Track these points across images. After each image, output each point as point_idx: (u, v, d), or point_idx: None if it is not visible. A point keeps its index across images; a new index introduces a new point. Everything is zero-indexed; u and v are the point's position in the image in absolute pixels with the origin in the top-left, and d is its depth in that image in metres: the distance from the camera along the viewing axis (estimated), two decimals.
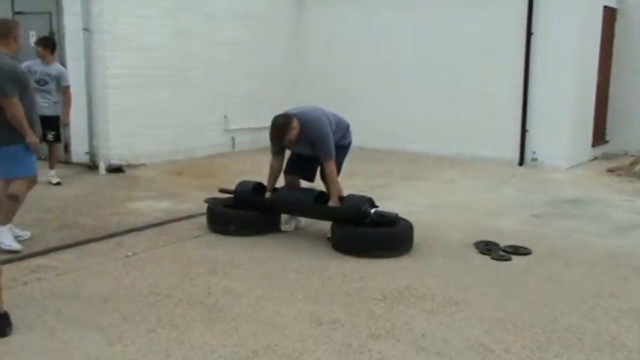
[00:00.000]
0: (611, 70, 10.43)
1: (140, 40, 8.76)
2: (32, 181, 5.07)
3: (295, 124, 5.21)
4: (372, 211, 5.24)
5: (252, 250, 5.14)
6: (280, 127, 5.22)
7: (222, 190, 6.05)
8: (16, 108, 4.75)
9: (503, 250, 5.18)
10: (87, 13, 8.41)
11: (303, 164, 5.64)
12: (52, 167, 7.48)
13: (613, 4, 10.17)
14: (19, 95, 4.78)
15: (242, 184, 5.86)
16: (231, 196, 5.87)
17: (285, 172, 5.73)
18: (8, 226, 5.00)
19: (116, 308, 3.89)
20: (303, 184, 5.88)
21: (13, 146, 4.85)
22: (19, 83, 4.83)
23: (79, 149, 8.78)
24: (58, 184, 7.40)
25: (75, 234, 5.47)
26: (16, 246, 4.96)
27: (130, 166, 8.65)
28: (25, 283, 4.30)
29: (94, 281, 4.37)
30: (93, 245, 5.19)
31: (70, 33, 8.64)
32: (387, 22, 10.35)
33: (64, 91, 7.42)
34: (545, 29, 9.11)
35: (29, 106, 4.91)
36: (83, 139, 8.69)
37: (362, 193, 6.99)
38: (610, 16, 10.12)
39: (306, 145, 5.39)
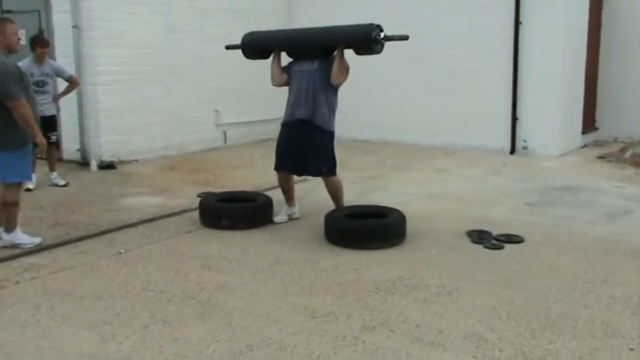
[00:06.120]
0: (599, 57, 10.46)
1: (130, 36, 8.71)
2: (21, 184, 5.07)
3: None
4: (382, 35, 5.26)
5: (244, 243, 5.13)
6: None
7: (228, 47, 6.07)
8: (26, 108, 4.71)
9: (496, 239, 5.19)
10: (76, 10, 8.36)
11: (295, 157, 5.60)
12: (52, 169, 7.34)
13: None
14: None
15: (249, 34, 5.93)
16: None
17: (277, 168, 5.74)
18: (17, 229, 5.03)
19: (109, 305, 3.88)
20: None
21: (10, 152, 4.80)
22: (22, 84, 4.78)
23: (70, 146, 8.74)
24: (66, 185, 7.29)
25: (67, 232, 5.46)
26: (37, 240, 5.04)
27: (122, 162, 8.62)
28: (18, 282, 4.28)
29: (87, 279, 4.35)
30: (85, 243, 5.17)
31: (59, 30, 8.61)
32: (378, 14, 10.27)
33: (70, 80, 7.34)
34: (533, 18, 9.12)
35: (32, 106, 4.87)
36: (74, 136, 8.67)
37: (354, 185, 7.05)
38: (597, 4, 10.14)
39: (314, 60, 5.49)
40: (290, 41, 5.84)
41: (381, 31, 5.29)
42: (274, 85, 5.80)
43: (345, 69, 5.44)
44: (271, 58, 5.79)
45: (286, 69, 5.72)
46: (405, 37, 5.29)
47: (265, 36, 6.01)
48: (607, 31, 10.41)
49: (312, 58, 5.55)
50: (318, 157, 5.55)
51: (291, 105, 5.60)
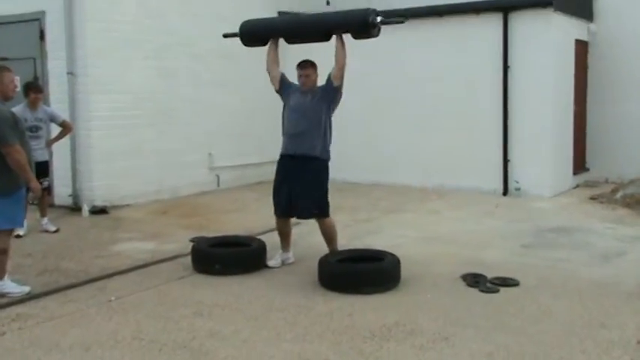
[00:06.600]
0: (587, 100, 10.63)
1: (124, 81, 8.78)
2: (12, 231, 5.02)
3: (317, 75, 5.70)
4: (378, 19, 5.35)
5: (238, 289, 5.07)
6: (313, 62, 5.69)
7: (226, 35, 6.12)
8: (20, 154, 4.72)
9: (491, 282, 5.15)
10: (71, 57, 8.45)
11: (289, 196, 5.60)
12: (43, 215, 7.27)
13: (584, 38, 10.42)
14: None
15: (246, 21, 5.96)
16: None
17: (275, 213, 5.73)
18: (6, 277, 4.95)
19: (98, 356, 3.79)
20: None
21: (2, 198, 4.76)
22: (16, 130, 4.79)
23: (62, 191, 8.69)
24: (56, 231, 7.22)
25: (56, 279, 5.37)
26: (25, 288, 4.96)
27: (114, 207, 8.56)
28: (4, 333, 4.19)
29: (76, 328, 4.26)
30: (75, 291, 5.08)
31: (54, 77, 8.66)
32: (368, 57, 10.44)
33: (64, 125, 7.38)
34: (521, 62, 9.30)
35: (26, 152, 4.88)
36: (67, 181, 8.63)
37: (348, 228, 7.02)
38: (582, 49, 10.36)
39: (308, 95, 5.59)
40: (288, 27, 5.94)
41: (377, 15, 5.43)
42: (267, 69, 5.86)
43: (345, 54, 5.56)
44: (267, 48, 5.86)
45: (283, 86, 5.75)
46: (401, 21, 5.44)
47: (263, 23, 6.06)
48: (593, 75, 10.61)
49: (306, 93, 5.63)
50: (311, 195, 5.55)
51: (286, 138, 5.69)
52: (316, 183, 5.58)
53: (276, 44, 5.85)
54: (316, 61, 5.77)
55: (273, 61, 5.83)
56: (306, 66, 5.65)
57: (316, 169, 5.58)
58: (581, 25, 10.25)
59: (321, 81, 5.75)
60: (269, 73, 5.85)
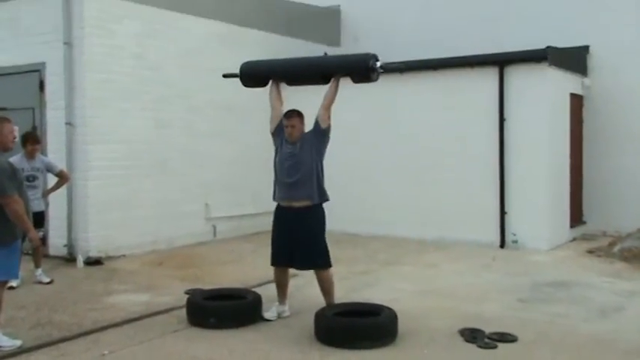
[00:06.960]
0: (583, 153, 10.75)
1: (122, 132, 8.85)
2: (6, 282, 4.98)
3: (304, 125, 5.69)
4: (378, 64, 5.42)
5: (232, 343, 4.99)
6: (299, 112, 5.68)
7: (226, 76, 6.13)
8: (18, 204, 4.73)
9: (489, 338, 5.09)
10: (70, 108, 8.55)
11: (288, 246, 5.59)
12: (38, 265, 7.20)
13: (579, 92, 10.61)
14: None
15: (246, 62, 6.00)
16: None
17: (273, 264, 5.72)
18: None
19: None
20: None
21: None
22: (14, 180, 4.81)
23: (57, 242, 8.63)
24: (50, 282, 7.14)
25: (49, 333, 5.28)
26: (17, 342, 4.87)
27: (109, 257, 8.50)
28: None
29: None
30: (67, 344, 4.99)
31: (53, 127, 8.74)
32: (365, 109, 10.62)
33: (60, 175, 7.39)
34: (516, 116, 9.43)
35: (24, 202, 4.88)
36: (61, 231, 8.59)
37: (345, 280, 6.97)
38: (577, 102, 10.54)
39: (297, 143, 5.58)
40: (288, 69, 5.99)
41: (377, 60, 5.52)
42: (271, 106, 5.85)
43: (334, 97, 5.60)
44: (269, 87, 5.89)
45: (278, 130, 5.73)
46: (401, 69, 5.55)
47: (263, 64, 6.11)
48: (588, 129, 10.77)
49: (295, 142, 5.63)
50: (312, 246, 5.54)
51: (280, 187, 5.68)
52: (316, 233, 5.57)
53: (277, 83, 5.90)
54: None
55: (276, 98, 5.86)
56: (292, 116, 5.65)
57: (314, 218, 5.58)
58: (575, 79, 10.46)
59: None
60: (272, 110, 5.85)
